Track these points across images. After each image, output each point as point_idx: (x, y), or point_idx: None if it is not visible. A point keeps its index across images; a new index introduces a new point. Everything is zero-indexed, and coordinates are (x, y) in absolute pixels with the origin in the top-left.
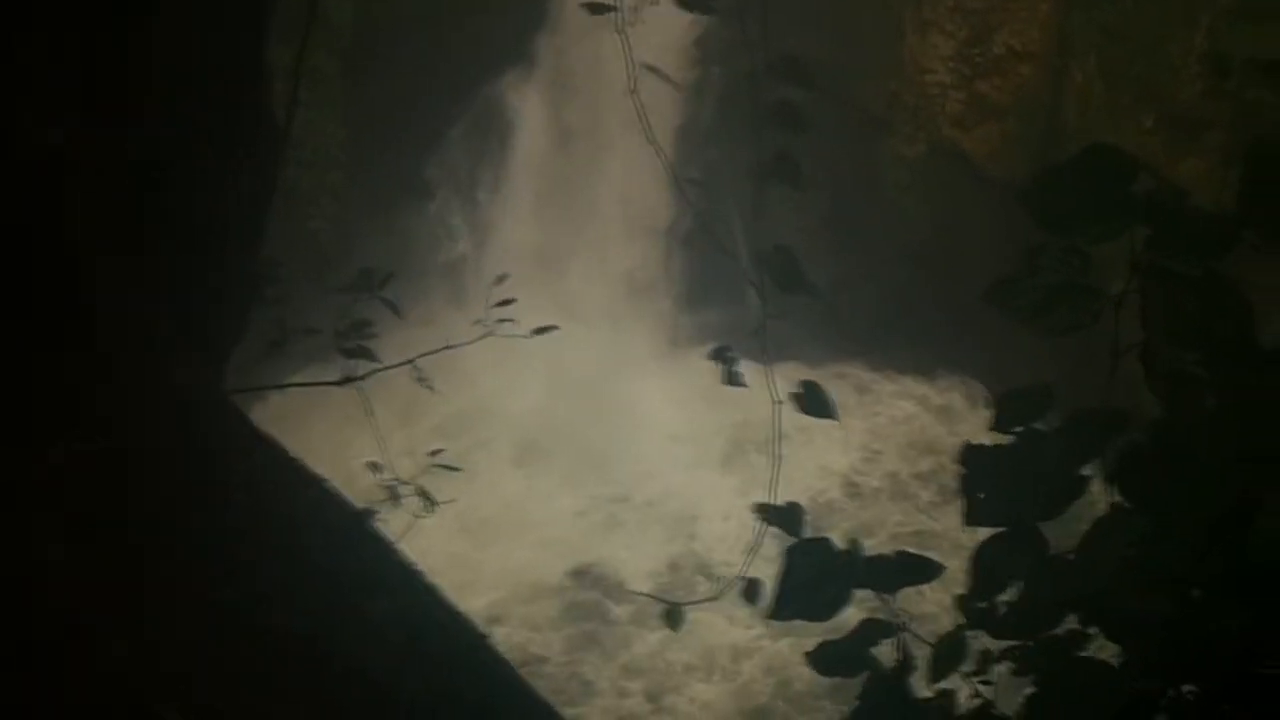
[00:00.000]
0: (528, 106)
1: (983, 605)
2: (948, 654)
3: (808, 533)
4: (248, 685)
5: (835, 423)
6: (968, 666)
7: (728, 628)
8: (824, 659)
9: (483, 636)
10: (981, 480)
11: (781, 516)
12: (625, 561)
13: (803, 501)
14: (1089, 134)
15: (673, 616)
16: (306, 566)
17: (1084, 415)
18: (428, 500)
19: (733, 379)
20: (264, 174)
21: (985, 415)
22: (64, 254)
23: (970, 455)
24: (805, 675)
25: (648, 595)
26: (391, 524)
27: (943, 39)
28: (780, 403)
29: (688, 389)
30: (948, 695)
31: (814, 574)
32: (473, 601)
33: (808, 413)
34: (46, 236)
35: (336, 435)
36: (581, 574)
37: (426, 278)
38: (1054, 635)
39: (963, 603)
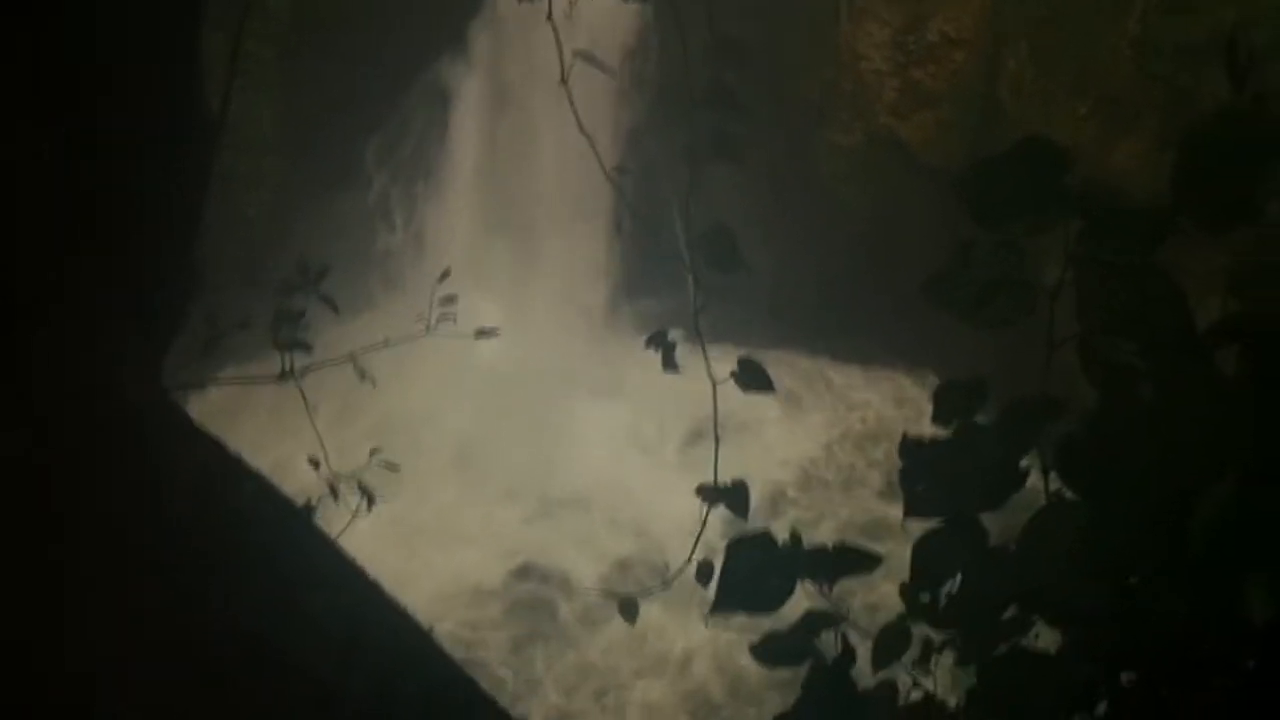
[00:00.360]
0: (466, 94)
1: (924, 597)
2: (889, 644)
3: (755, 516)
4: (190, 684)
5: (788, 414)
6: (911, 656)
7: (681, 625)
8: (767, 651)
9: (426, 632)
10: (920, 473)
11: (726, 496)
12: (574, 563)
13: (756, 491)
14: (1024, 120)
15: (627, 608)
16: (248, 562)
17: (1019, 405)
18: (368, 496)
19: (669, 363)
20: (200, 162)
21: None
22: (16, 254)
23: (908, 448)
24: (755, 671)
25: (600, 591)
26: (329, 521)
27: (877, 26)
28: (719, 383)
29: (634, 382)
30: (890, 685)
31: (755, 568)
32: (414, 603)
33: (745, 388)
34: None
35: (266, 433)
36: (525, 575)
37: (364, 267)
38: (994, 625)
39: (904, 594)
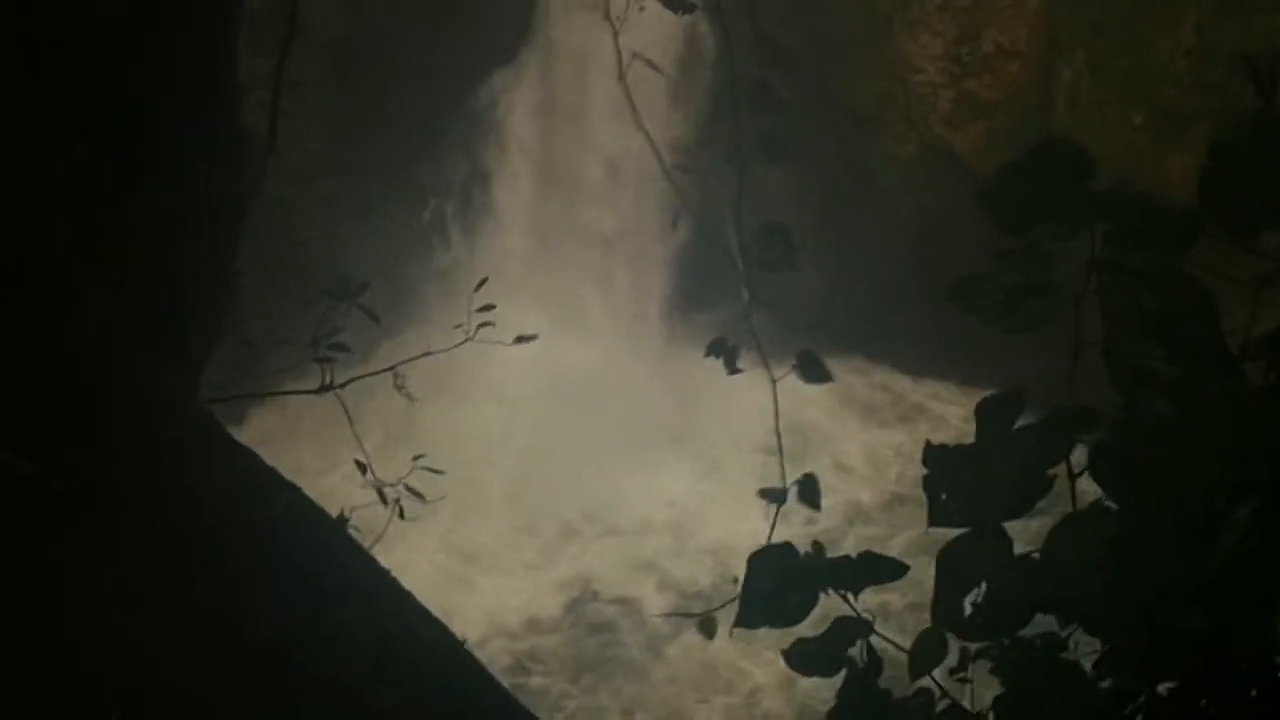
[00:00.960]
0: (519, 110)
1: (950, 607)
2: (927, 652)
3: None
4: (221, 693)
5: (865, 427)
6: (949, 664)
7: (744, 649)
8: (800, 658)
9: (460, 642)
10: (944, 481)
11: (797, 490)
12: (643, 593)
13: (837, 511)
14: (1079, 131)
15: (706, 625)
16: (282, 574)
17: (1054, 416)
18: (417, 497)
19: (731, 367)
20: (236, 183)
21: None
22: (36, 263)
23: (932, 456)
24: (821, 695)
25: (673, 614)
26: (366, 532)
27: (931, 38)
28: (778, 380)
29: (696, 399)
30: (926, 693)
31: (777, 580)
32: (470, 631)
33: (806, 380)
34: (17, 245)
35: (317, 452)
36: (587, 604)
37: (420, 285)
38: (1025, 635)
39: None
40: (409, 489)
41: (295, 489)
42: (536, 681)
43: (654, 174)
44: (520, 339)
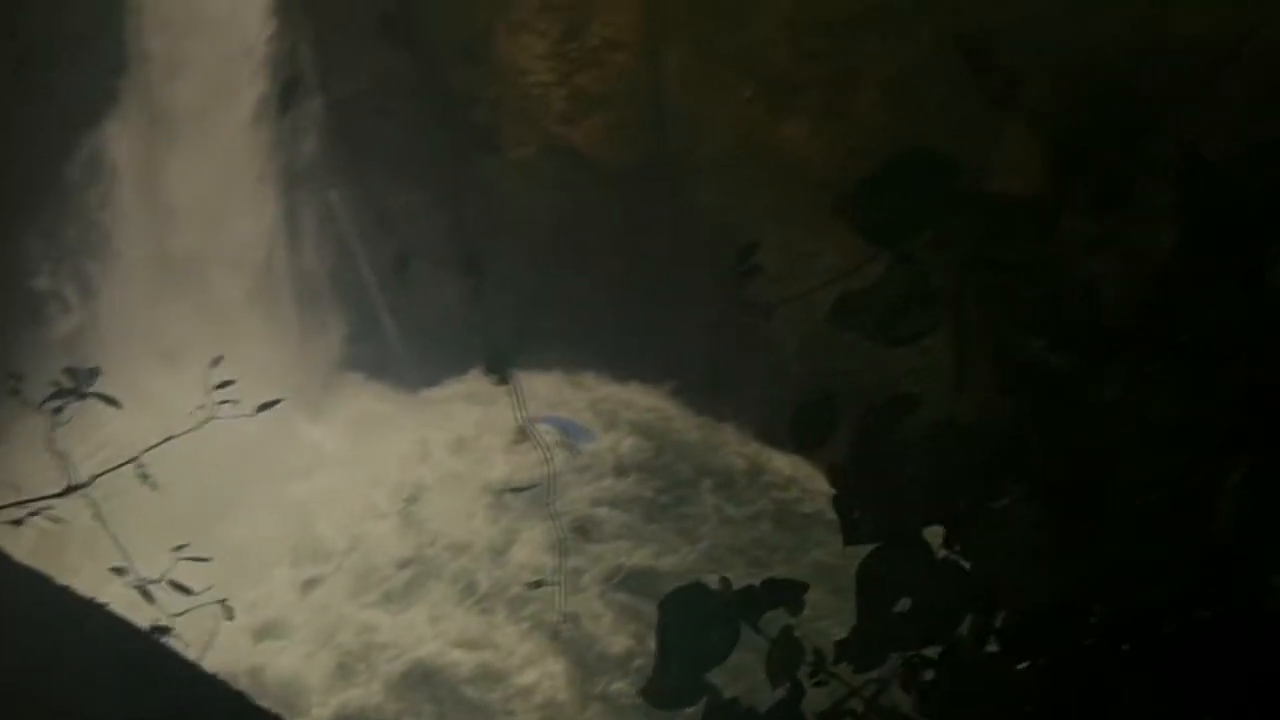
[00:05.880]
0: (128, 153)
1: (878, 620)
2: (783, 656)
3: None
4: None
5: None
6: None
7: None
8: (657, 695)
9: None
10: (853, 498)
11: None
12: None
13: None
14: (693, 111)
15: None
16: (107, 699)
17: (943, 425)
18: (182, 591)
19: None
20: None
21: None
22: None
23: (838, 475)
24: None
25: None
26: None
27: (535, 38)
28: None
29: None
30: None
31: (695, 620)
32: None
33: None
34: None
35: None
36: None
37: (47, 357)
38: (953, 635)
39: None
40: (174, 584)
41: (100, 608)
42: None
43: (272, 210)
44: (264, 406)
